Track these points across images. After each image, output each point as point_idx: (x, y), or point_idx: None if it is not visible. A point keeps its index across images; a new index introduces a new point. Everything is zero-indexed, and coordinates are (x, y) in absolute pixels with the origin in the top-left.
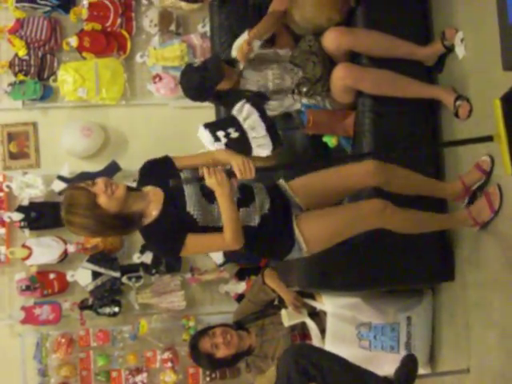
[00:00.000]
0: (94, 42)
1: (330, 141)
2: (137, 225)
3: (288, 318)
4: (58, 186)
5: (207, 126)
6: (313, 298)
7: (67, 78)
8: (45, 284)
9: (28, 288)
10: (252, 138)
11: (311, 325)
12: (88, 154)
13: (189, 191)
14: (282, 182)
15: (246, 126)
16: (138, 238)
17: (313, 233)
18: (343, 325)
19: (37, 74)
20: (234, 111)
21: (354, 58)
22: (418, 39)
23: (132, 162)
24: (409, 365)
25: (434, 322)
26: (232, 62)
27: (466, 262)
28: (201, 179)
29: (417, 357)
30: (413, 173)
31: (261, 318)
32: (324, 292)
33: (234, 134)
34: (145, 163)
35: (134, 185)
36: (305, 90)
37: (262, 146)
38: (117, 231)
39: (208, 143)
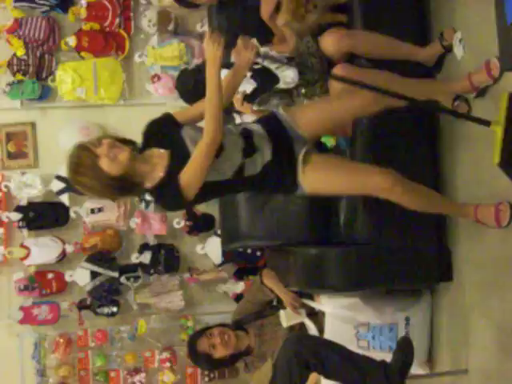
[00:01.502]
0: (92, 41)
1: (329, 141)
2: (139, 188)
3: (286, 318)
4: (57, 185)
5: (229, 66)
6: (311, 298)
7: (65, 77)
8: (43, 284)
9: (26, 288)
10: (275, 69)
11: (310, 325)
12: None
13: (192, 150)
14: (281, 111)
15: (265, 63)
16: (136, 238)
17: (316, 186)
18: (342, 325)
19: (35, 73)
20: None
21: (352, 58)
22: (417, 40)
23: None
24: (404, 347)
25: (432, 322)
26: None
27: (464, 262)
28: None
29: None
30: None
31: (259, 318)
32: (322, 292)
33: (256, 66)
34: (147, 125)
35: None
36: (303, 91)
37: (287, 71)
38: (121, 194)
39: None
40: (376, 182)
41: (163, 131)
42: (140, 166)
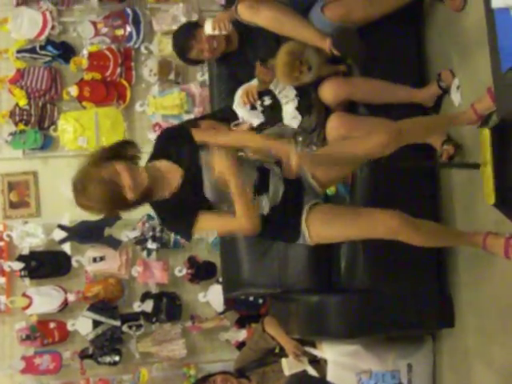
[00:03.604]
0: (94, 91)
1: (329, 188)
2: (144, 201)
3: (289, 366)
4: (59, 234)
5: None
6: (313, 345)
7: (67, 127)
8: (45, 333)
9: (28, 337)
10: (284, 104)
11: (312, 373)
12: None
13: (207, 174)
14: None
15: (280, 96)
16: (138, 286)
17: (319, 233)
18: (344, 372)
19: (37, 123)
20: (271, 86)
21: (351, 105)
22: (415, 83)
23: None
24: None
25: (434, 369)
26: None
27: (466, 308)
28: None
29: None
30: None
31: (262, 366)
32: (323, 339)
33: (268, 102)
34: (162, 132)
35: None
36: (301, 139)
37: (286, 106)
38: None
39: (244, 112)
40: (383, 224)
41: (177, 143)
42: (153, 179)
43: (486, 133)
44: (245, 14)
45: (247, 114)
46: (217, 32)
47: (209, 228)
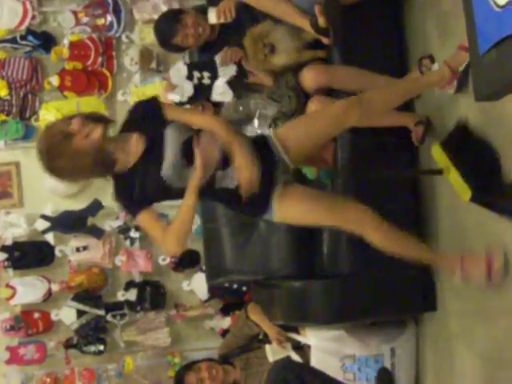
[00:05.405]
0: (75, 80)
1: (310, 172)
2: (108, 169)
3: (272, 352)
4: (42, 225)
5: (187, 63)
6: (296, 331)
7: (49, 117)
8: (29, 323)
9: (12, 328)
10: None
11: (296, 358)
12: (71, 192)
13: (171, 151)
14: (272, 135)
15: (220, 72)
16: (121, 275)
17: (286, 212)
18: (327, 358)
19: (19, 113)
20: (216, 58)
21: (331, 92)
22: (395, 73)
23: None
24: (384, 378)
25: (417, 353)
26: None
27: (448, 292)
28: None
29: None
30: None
31: (245, 352)
32: (306, 325)
33: (206, 81)
34: (135, 106)
35: None
36: (280, 123)
37: (216, 81)
38: (97, 173)
39: (178, 77)
40: (352, 214)
41: (147, 118)
42: (115, 145)
43: (437, 148)
44: None
45: (179, 80)
46: (222, 20)
47: (143, 226)
